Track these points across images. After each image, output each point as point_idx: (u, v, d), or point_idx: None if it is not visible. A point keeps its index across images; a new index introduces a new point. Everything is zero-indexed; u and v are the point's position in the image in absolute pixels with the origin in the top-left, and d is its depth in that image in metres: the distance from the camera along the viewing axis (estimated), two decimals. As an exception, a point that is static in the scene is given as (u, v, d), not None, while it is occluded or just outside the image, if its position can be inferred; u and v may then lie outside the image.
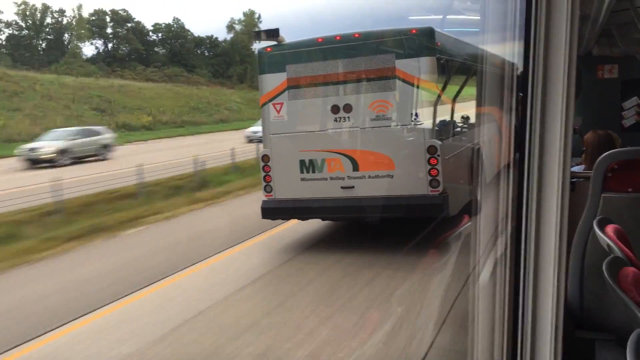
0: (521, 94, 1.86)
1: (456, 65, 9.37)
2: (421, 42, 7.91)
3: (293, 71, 8.56)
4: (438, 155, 7.92)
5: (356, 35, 8.24)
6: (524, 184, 1.79)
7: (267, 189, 8.86)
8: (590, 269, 2.87)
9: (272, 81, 8.67)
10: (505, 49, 2.02)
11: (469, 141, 10.08)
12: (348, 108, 8.32)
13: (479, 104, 11.28)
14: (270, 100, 8.72)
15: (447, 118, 8.86)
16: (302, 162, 8.62)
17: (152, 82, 66.04)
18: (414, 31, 7.91)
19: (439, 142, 7.94)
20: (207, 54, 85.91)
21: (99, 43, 79.22)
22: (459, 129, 9.36)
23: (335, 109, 8.38)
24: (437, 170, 7.94)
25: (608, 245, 2.27)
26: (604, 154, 3.04)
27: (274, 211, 8.85)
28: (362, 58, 8.18)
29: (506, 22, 1.92)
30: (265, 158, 8.85)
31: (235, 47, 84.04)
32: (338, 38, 8.32)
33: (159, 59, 78.36)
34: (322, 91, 8.46)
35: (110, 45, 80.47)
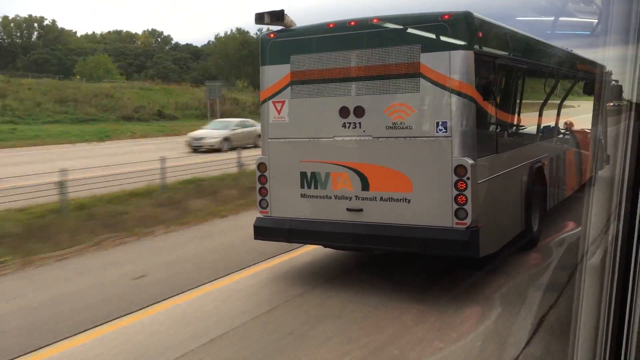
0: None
1: (509, 64, 7.46)
2: (455, 30, 6.11)
3: (297, 63, 6.99)
4: (468, 178, 6.11)
5: (375, 21, 6.55)
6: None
7: (263, 204, 7.36)
8: None
9: (274, 74, 7.15)
10: (627, 52, 1.94)
11: (526, 158, 8.12)
12: (360, 112, 6.66)
13: (541, 113, 9.25)
14: (271, 98, 7.20)
15: (492, 129, 7.00)
16: (303, 175, 7.05)
17: None
18: (446, 17, 6.12)
19: (471, 161, 6.13)
20: None
21: None
22: (508, 144, 7.45)
23: (344, 112, 6.74)
24: (466, 197, 6.13)
25: None
26: None
27: (269, 231, 7.33)
28: (380, 50, 6.48)
29: (630, 24, 1.87)
30: (261, 167, 7.35)
31: None
32: (352, 24, 6.67)
33: None
34: (329, 89, 6.84)
35: None
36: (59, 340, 5.80)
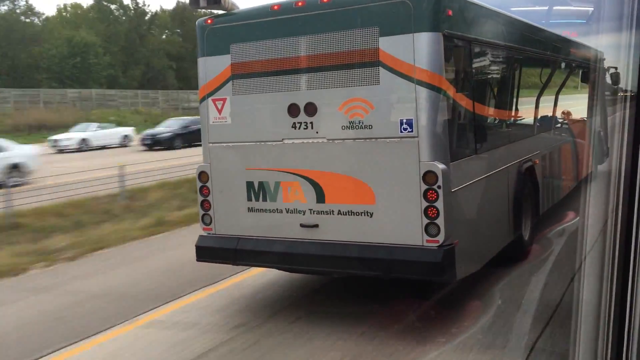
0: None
1: (488, 49, 6.40)
2: (419, 8, 5.04)
3: (238, 53, 5.92)
4: (439, 187, 5.06)
5: (325, 0, 5.48)
6: (637, 180, 1.69)
7: (206, 219, 6.30)
8: None
9: (213, 67, 6.08)
10: (619, 40, 1.87)
11: (513, 158, 7.06)
12: (311, 109, 5.60)
13: (530, 106, 8.19)
14: (210, 95, 6.13)
15: (469, 127, 5.93)
16: (249, 185, 6.00)
17: None
18: None
19: (442, 166, 5.07)
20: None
21: None
22: (489, 143, 6.37)
23: (294, 110, 5.68)
24: (438, 209, 5.08)
25: None
26: None
27: (213, 252, 6.27)
28: (332, 34, 5.42)
29: (622, 10, 1.82)
30: (203, 176, 6.28)
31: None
32: (300, 4, 5.60)
33: None
34: (276, 83, 5.77)
35: None
36: None
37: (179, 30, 72.48)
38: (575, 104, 10.69)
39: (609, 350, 1.89)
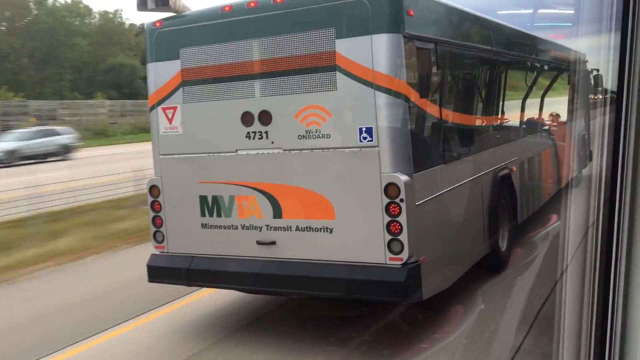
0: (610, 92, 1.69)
1: (455, 50, 6.04)
2: (377, 8, 4.67)
3: (189, 58, 5.52)
4: (402, 200, 4.67)
5: (278, 1, 5.10)
6: (617, 185, 1.68)
7: (158, 237, 5.88)
8: None
9: (162, 73, 5.67)
10: (600, 42, 1.86)
11: (487, 166, 6.70)
12: (266, 118, 5.20)
13: (505, 111, 7.84)
14: (160, 103, 5.72)
15: (435, 135, 5.55)
16: (202, 199, 5.59)
17: None
18: None
19: (405, 178, 4.69)
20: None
21: None
22: (459, 151, 6.00)
23: (248, 119, 5.28)
24: (401, 224, 4.69)
25: None
26: None
27: (165, 272, 5.84)
28: (287, 36, 5.03)
29: (602, 13, 1.80)
30: (153, 190, 5.86)
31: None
32: (252, 5, 5.21)
33: None
34: (229, 90, 5.38)
35: None
36: None
37: (32, 19, 51.75)
38: (554, 108, 10.37)
39: (592, 354, 1.88)
